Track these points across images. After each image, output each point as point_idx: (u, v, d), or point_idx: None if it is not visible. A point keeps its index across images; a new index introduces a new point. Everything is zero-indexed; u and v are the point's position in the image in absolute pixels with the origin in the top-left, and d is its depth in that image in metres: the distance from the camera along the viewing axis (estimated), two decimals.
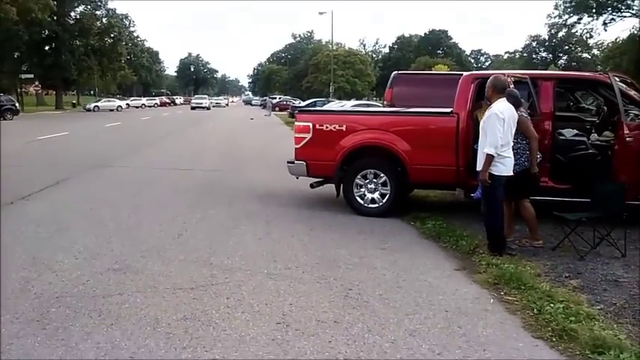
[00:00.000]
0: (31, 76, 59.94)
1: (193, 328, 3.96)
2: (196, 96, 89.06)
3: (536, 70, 64.58)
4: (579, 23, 54.07)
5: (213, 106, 79.36)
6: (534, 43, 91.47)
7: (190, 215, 7.69)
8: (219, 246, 6.16)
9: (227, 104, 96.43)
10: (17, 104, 42.05)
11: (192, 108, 67.92)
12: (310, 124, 8.13)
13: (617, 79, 7.20)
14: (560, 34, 76.34)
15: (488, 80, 6.02)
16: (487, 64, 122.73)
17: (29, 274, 5.04)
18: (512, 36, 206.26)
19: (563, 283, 5.03)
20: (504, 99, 5.86)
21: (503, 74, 6.45)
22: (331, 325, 4.08)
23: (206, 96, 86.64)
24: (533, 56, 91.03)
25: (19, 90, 62.40)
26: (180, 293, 4.65)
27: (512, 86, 6.41)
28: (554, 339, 3.88)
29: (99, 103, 64.38)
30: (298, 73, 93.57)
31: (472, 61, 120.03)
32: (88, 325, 3.97)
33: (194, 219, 7.48)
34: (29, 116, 43.34)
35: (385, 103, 12.38)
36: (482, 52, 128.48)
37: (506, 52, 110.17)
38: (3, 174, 10.68)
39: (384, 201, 7.86)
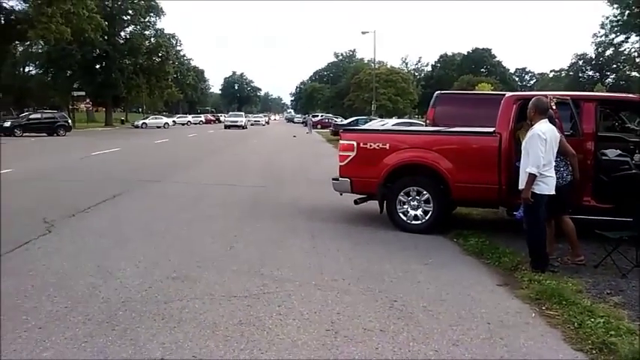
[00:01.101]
0: (83, 93, 62.33)
1: (249, 333, 4.26)
2: (231, 113, 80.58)
3: (583, 89, 63.56)
4: (627, 42, 53.10)
5: (251, 125, 74.89)
6: (580, 62, 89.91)
7: (240, 229, 8.05)
8: (269, 258, 6.47)
9: (267, 122, 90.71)
10: (69, 121, 43.78)
11: (227, 127, 61.24)
12: (354, 143, 8.41)
13: None
14: (608, 52, 74.91)
15: (531, 102, 6.20)
16: (532, 82, 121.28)
17: (96, 281, 5.45)
18: (558, 54, 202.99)
19: (604, 300, 5.14)
20: (546, 120, 6.03)
21: (545, 96, 6.61)
22: (377, 334, 4.31)
23: (242, 113, 78.34)
24: (580, 75, 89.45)
25: (71, 107, 64.91)
26: (234, 301, 4.97)
27: (554, 107, 6.59)
28: (594, 351, 4.03)
29: (146, 120, 66.46)
30: (340, 91, 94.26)
31: (516, 79, 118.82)
32: (152, 328, 4.31)
33: (243, 232, 7.83)
34: (81, 132, 45.09)
35: (428, 122, 12.59)
36: (527, 70, 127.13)
37: (551, 71, 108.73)
38: (63, 187, 11.31)
39: (427, 218, 8.05)
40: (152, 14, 67.59)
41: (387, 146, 8.25)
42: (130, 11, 65.65)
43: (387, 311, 4.82)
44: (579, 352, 4.04)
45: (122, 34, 67.77)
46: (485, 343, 4.17)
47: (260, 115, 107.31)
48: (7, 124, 37.56)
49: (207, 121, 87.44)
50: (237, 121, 62.92)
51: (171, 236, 7.52)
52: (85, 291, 5.15)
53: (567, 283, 5.53)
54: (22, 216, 8.56)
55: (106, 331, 4.24)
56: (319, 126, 61.03)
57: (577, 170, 6.39)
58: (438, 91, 12.85)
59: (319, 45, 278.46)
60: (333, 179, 8.78)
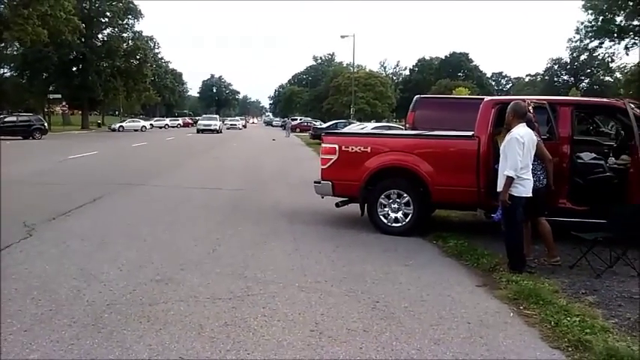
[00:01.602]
0: (59, 96, 61.32)
1: (234, 334, 4.31)
2: (204, 116, 73.17)
3: (558, 93, 64.59)
4: (601, 47, 54.04)
5: (227, 129, 69.97)
6: (556, 66, 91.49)
7: (222, 231, 8.08)
8: (252, 260, 6.53)
9: (244, 126, 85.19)
10: (45, 124, 43.20)
11: (199, 131, 56.05)
12: (336, 146, 8.51)
13: (633, 105, 7.48)
14: (582, 57, 76.08)
15: (509, 106, 6.36)
16: (508, 86, 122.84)
17: (79, 284, 5.45)
18: (534, 59, 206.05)
19: (579, 299, 5.31)
20: (524, 124, 6.19)
21: (524, 100, 6.78)
22: (361, 334, 4.40)
23: (216, 116, 70.65)
24: (555, 79, 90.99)
25: (46, 110, 64.05)
26: (219, 303, 5.02)
27: (532, 112, 6.76)
28: (570, 349, 4.17)
29: (124, 124, 65.81)
30: (319, 94, 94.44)
31: (493, 83, 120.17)
32: (139, 330, 4.34)
33: (226, 235, 7.87)
34: (57, 136, 44.46)
35: (407, 125, 12.74)
36: (504, 74, 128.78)
37: (527, 75, 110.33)
38: (42, 191, 11.21)
39: (407, 220, 8.17)
40: (130, 16, 66.83)
41: (369, 149, 8.36)
42: (108, 13, 64.87)
43: (369, 312, 4.92)
44: (556, 350, 4.18)
45: (100, 36, 66.87)
46: (465, 342, 4.28)
47: (236, 118, 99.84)
48: None
49: (185, 125, 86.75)
50: (210, 125, 57.41)
51: (154, 239, 7.53)
52: (69, 294, 5.16)
53: (544, 283, 5.69)
54: (2, 220, 8.46)
55: (92, 333, 4.26)
56: (298, 129, 61.04)
57: (551, 175, 6.56)
58: (418, 95, 13.02)
59: (298, 49, 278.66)
60: (315, 182, 8.85)
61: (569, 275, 6.11)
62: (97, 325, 4.41)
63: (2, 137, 35.60)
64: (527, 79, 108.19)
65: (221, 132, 57.73)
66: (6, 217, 8.61)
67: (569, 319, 4.64)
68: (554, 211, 7.08)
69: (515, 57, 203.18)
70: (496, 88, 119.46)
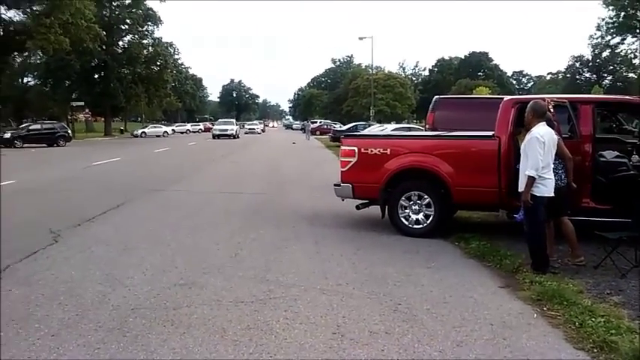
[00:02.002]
0: (82, 103, 62.39)
1: (257, 337, 4.35)
2: (220, 120, 66.79)
3: (581, 91, 63.77)
4: (623, 44, 53.36)
5: (245, 133, 68.06)
6: (577, 64, 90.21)
7: (244, 235, 8.14)
8: (274, 264, 6.57)
9: (263, 130, 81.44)
10: (69, 131, 43.94)
11: (215, 137, 52.67)
12: (355, 149, 8.52)
13: None
14: (604, 54, 75.16)
15: (528, 105, 6.31)
16: (529, 85, 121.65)
17: (105, 289, 5.54)
18: (555, 56, 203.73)
19: (604, 300, 5.24)
20: (544, 123, 6.13)
21: (543, 99, 6.72)
22: (383, 336, 4.41)
23: (233, 120, 66.34)
24: (577, 77, 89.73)
25: (69, 117, 65.07)
26: (242, 306, 5.06)
27: (551, 110, 6.70)
28: (595, 350, 4.12)
29: (146, 130, 66.64)
30: (338, 97, 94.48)
31: (514, 82, 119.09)
32: (163, 334, 4.40)
33: (247, 239, 7.92)
34: (80, 142, 45.20)
35: (427, 126, 12.71)
36: (525, 73, 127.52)
37: (548, 73, 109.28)
38: (67, 197, 11.41)
39: (429, 222, 8.13)
40: (150, 23, 67.73)
41: (388, 151, 8.35)
42: (128, 21, 65.81)
43: (391, 314, 4.92)
44: (581, 352, 4.13)
45: (120, 43, 67.90)
46: (488, 344, 4.26)
47: (255, 122, 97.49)
48: (7, 135, 37.70)
49: (206, 129, 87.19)
50: (226, 130, 53.91)
51: (177, 244, 7.61)
52: (94, 299, 5.24)
53: (568, 283, 5.62)
54: (28, 227, 8.66)
55: (118, 337, 4.33)
56: (318, 132, 61.12)
57: (571, 174, 6.49)
58: (437, 96, 12.99)
59: (317, 51, 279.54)
60: (335, 185, 8.87)
61: (593, 275, 6.03)
62: (122, 329, 4.48)
63: (27, 145, 36.37)
64: (548, 77, 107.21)
65: (238, 137, 54.60)
66: (32, 224, 8.81)
67: (593, 319, 4.58)
68: (577, 210, 7.01)
69: (536, 55, 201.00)
70: (517, 86, 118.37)
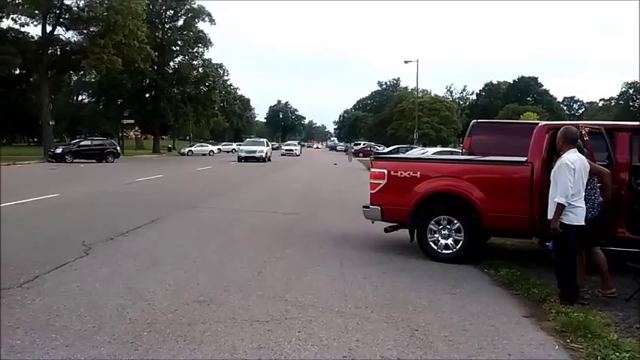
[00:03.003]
0: (132, 121, 64.33)
1: (266, 357, 4.32)
2: (247, 140, 58.68)
3: (634, 118, 61.94)
4: None
5: (282, 155, 61.48)
6: (631, 90, 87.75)
7: (269, 254, 8.15)
8: (295, 284, 6.55)
9: (298, 153, 67.22)
10: (118, 148, 45.27)
11: (241, 159, 45.22)
12: (385, 171, 8.46)
13: None
14: None
15: (560, 131, 6.16)
16: (580, 111, 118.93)
17: (125, 302, 5.62)
18: (608, 83, 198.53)
19: (632, 334, 5.01)
20: (575, 149, 5.97)
21: (577, 125, 6.55)
22: None
23: (263, 140, 55.98)
24: (630, 103, 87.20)
25: (120, 134, 67.15)
26: (256, 325, 5.04)
27: (586, 137, 6.52)
28: None
29: (192, 148, 68.05)
30: (383, 119, 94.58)
31: (564, 108, 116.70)
32: (174, 349, 4.43)
33: (273, 258, 7.93)
34: (129, 159, 46.47)
35: (464, 150, 12.54)
36: (576, 99, 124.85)
37: (600, 100, 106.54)
38: (106, 211, 11.71)
39: (458, 247, 7.98)
40: (200, 45, 69.47)
41: (418, 174, 8.26)
42: (179, 42, 67.69)
43: (406, 340, 4.81)
44: None
45: (171, 64, 69.88)
46: None
47: (293, 142, 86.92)
48: (59, 150, 39.07)
49: None
50: (255, 152, 45.64)
51: (203, 260, 7.69)
52: (113, 312, 5.32)
53: (595, 316, 5.40)
54: (62, 239, 8.90)
55: (129, 351, 4.38)
56: (361, 154, 61.21)
57: (609, 190, 6.29)
58: (475, 120, 12.83)
59: (364, 74, 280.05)
60: (364, 207, 8.81)
61: (624, 308, 5.78)
62: (135, 343, 4.52)
63: (77, 160, 37.59)
64: (600, 104, 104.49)
65: (269, 160, 46.72)
66: (66, 237, 9.06)
67: (618, 354, 4.39)
68: (612, 240, 6.75)
69: (588, 81, 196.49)
70: (567, 112, 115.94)
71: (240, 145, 60.53)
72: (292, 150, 66.43)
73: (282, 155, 60.95)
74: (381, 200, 8.49)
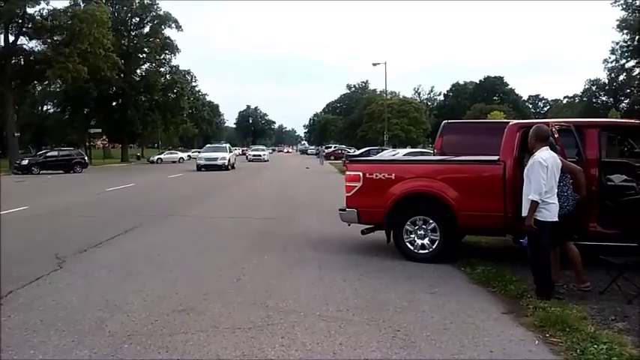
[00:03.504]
0: (99, 130, 63.33)
1: None
2: (208, 146, 49.64)
3: (598, 114, 63.37)
4: (639, 67, 52.99)
5: (249, 161, 59.00)
6: (594, 87, 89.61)
7: (248, 261, 8.11)
8: (275, 289, 6.53)
9: (267, 158, 63.81)
10: (86, 157, 44.52)
11: (201, 167, 39.81)
12: (360, 173, 8.50)
13: None
14: (621, 77, 74.62)
15: (531, 130, 6.27)
16: (546, 109, 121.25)
17: (103, 315, 5.53)
18: (571, 80, 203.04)
19: (608, 326, 5.12)
20: (547, 147, 6.09)
21: (547, 123, 6.68)
22: None
23: (225, 145, 48.99)
24: (594, 100, 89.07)
25: (87, 144, 66.07)
26: (239, 332, 5.02)
27: (556, 135, 6.65)
28: None
29: (162, 156, 67.28)
30: (353, 122, 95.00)
31: (530, 106, 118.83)
32: None
33: (251, 264, 7.90)
34: (97, 169, 45.72)
35: (435, 151, 12.68)
36: (540, 97, 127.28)
37: (565, 97, 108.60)
38: (77, 223, 11.51)
39: (434, 247, 8.06)
40: (167, 51, 68.85)
41: (393, 176, 8.32)
42: (146, 49, 66.99)
43: (389, 341, 4.84)
44: None
45: (138, 71, 69.08)
46: None
47: (261, 147, 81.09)
48: (25, 161, 38.31)
49: None
50: (216, 159, 40.38)
51: (180, 269, 7.61)
52: (92, 325, 5.23)
53: (572, 309, 5.51)
54: (35, 252, 8.72)
55: None
56: (332, 157, 61.38)
57: (583, 187, 6.42)
58: (445, 121, 12.99)
59: (332, 78, 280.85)
60: (340, 210, 8.84)
61: (599, 301, 5.90)
62: (116, 356, 4.46)
63: (44, 171, 36.86)
64: (565, 102, 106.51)
65: (232, 168, 41.74)
66: (39, 250, 8.88)
67: (596, 346, 4.48)
68: (584, 234, 6.90)
69: (552, 79, 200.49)
70: (533, 111, 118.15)
71: (200, 151, 51.55)
72: (260, 155, 62.89)
73: (249, 161, 58.51)
74: (357, 203, 8.53)
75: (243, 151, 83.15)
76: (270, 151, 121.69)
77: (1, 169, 39.81)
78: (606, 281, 6.29)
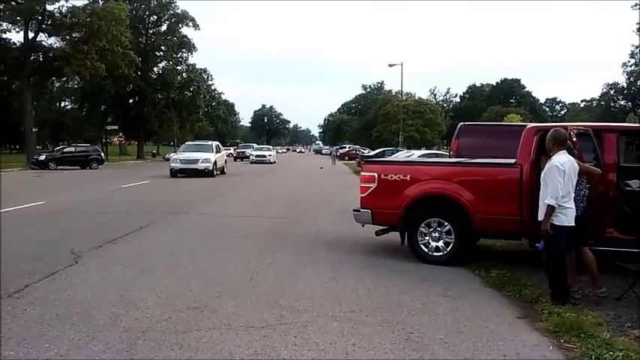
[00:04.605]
0: (116, 127, 63.84)
1: None
2: (188, 143, 37.06)
3: (615, 118, 62.69)
4: None
5: (252, 162, 49.93)
6: (612, 91, 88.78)
7: (261, 260, 8.13)
8: (288, 289, 6.53)
9: (273, 160, 52.89)
10: (102, 154, 44.87)
11: (175, 172, 29.19)
12: (375, 174, 8.48)
13: None
14: None
15: (549, 133, 6.22)
16: (563, 112, 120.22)
17: (118, 310, 5.57)
18: (590, 84, 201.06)
19: (624, 333, 5.07)
20: (565, 151, 6.03)
21: (565, 127, 6.62)
22: None
23: (212, 143, 34.51)
24: (611, 104, 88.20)
25: (104, 140, 66.61)
26: (251, 331, 5.03)
27: (574, 139, 6.58)
28: None
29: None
30: (368, 122, 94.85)
31: (547, 109, 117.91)
32: (170, 357, 4.40)
33: (265, 263, 7.91)
34: (113, 165, 46.10)
35: (452, 153, 12.62)
36: (558, 100, 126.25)
37: (582, 101, 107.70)
38: (93, 219, 11.61)
39: (449, 249, 8.02)
40: (184, 50, 69.20)
41: (408, 177, 8.29)
42: (163, 47, 67.39)
43: (402, 343, 4.82)
44: None
45: (155, 69, 69.54)
46: None
47: (265, 146, 66.00)
48: (42, 157, 38.65)
49: (236, 156, 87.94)
50: (195, 161, 29.57)
51: (194, 267, 7.65)
52: (107, 320, 5.27)
53: (587, 315, 5.46)
54: (51, 247, 8.80)
55: (125, 359, 4.34)
56: (347, 157, 61.45)
57: (596, 187, 6.35)
58: (462, 123, 12.92)
59: (348, 78, 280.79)
60: (354, 210, 8.83)
61: (615, 307, 5.85)
62: (131, 352, 4.48)
63: (61, 167, 37.21)
64: (582, 105, 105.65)
65: (223, 173, 32.21)
66: (55, 245, 8.96)
67: (611, 353, 4.44)
68: (600, 240, 6.83)
69: (570, 82, 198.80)
70: (550, 114, 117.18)
71: (175, 151, 38.72)
72: (265, 156, 52.05)
73: (251, 163, 49.85)
74: (372, 203, 8.51)
75: (235, 150, 68.97)
76: (285, 150, 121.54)
77: (19, 164, 40.29)
78: (623, 287, 6.23)
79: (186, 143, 37.84)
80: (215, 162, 30.31)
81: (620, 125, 7.95)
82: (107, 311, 5.54)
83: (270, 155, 53.42)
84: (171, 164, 29.91)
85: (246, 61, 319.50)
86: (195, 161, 29.36)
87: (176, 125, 72.86)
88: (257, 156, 53.03)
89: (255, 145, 70.62)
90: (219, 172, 31.17)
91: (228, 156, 40.41)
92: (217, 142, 36.62)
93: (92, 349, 4.53)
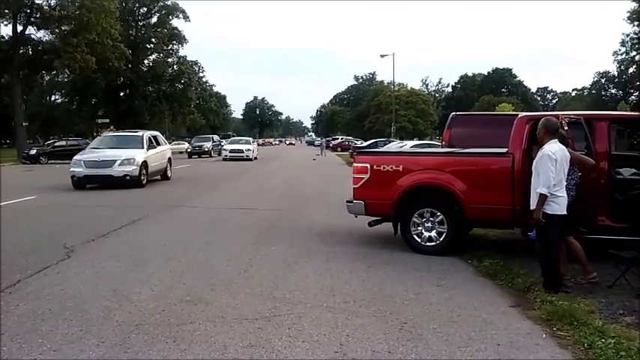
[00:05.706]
0: (107, 120, 63.42)
1: (258, 355, 4.32)
2: (105, 135, 25.59)
3: (607, 107, 62.96)
4: None
5: (224, 159, 40.73)
6: (603, 80, 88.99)
7: (255, 252, 8.12)
8: (282, 280, 6.54)
9: (254, 156, 42.11)
10: None
11: (81, 183, 18.33)
12: (368, 165, 8.48)
13: None
14: (630, 70, 74.05)
15: (540, 122, 6.24)
16: (554, 101, 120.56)
17: (111, 304, 5.56)
18: (581, 73, 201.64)
19: (616, 320, 5.11)
20: (556, 140, 6.05)
21: (556, 116, 6.64)
22: (385, 355, 4.34)
23: (142, 134, 21.11)
24: (602, 93, 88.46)
25: (95, 134, 66.24)
26: (245, 323, 5.03)
27: (565, 128, 6.60)
28: None
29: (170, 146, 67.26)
30: (360, 113, 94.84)
31: (538, 98, 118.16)
32: (164, 350, 4.40)
33: (258, 255, 7.90)
34: None
35: (444, 143, 12.62)
36: (549, 89, 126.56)
37: (573, 90, 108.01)
38: (85, 213, 11.56)
39: (441, 239, 8.04)
40: (175, 42, 68.81)
41: (401, 168, 8.30)
42: (153, 40, 67.03)
43: (396, 333, 4.84)
44: None
45: (145, 62, 69.22)
46: None
47: (244, 138, 51.09)
48: (33, 151, 38.41)
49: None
50: (112, 162, 18.47)
51: (188, 260, 7.63)
52: (100, 314, 5.26)
53: (580, 303, 5.50)
54: (43, 242, 8.76)
55: (119, 353, 4.34)
56: (339, 149, 61.46)
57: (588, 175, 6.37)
58: (454, 113, 12.91)
59: (340, 69, 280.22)
60: (347, 201, 8.83)
61: (607, 295, 5.89)
62: (124, 345, 4.48)
63: (52, 161, 37.00)
64: (573, 94, 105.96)
65: (168, 179, 22.22)
66: (47, 240, 8.92)
67: (604, 340, 4.47)
68: (593, 228, 6.86)
69: (561, 71, 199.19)
70: (542, 103, 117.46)
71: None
72: (242, 151, 41.82)
73: (224, 160, 40.82)
74: (365, 194, 8.51)
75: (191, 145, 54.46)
76: (277, 142, 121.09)
77: (10, 159, 40.01)
78: (615, 275, 6.26)
79: (103, 135, 27.04)
80: (145, 163, 19.38)
81: (611, 113, 7.98)
82: (100, 305, 5.53)
83: (249, 150, 42.21)
84: (72, 168, 18.89)
85: (238, 53, 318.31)
86: (110, 163, 18.54)
87: (168, 118, 72.67)
88: (232, 151, 41.94)
89: (234, 139, 54.50)
90: (158, 177, 21.46)
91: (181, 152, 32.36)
92: (156, 133, 24.62)
93: (86, 343, 4.52)
